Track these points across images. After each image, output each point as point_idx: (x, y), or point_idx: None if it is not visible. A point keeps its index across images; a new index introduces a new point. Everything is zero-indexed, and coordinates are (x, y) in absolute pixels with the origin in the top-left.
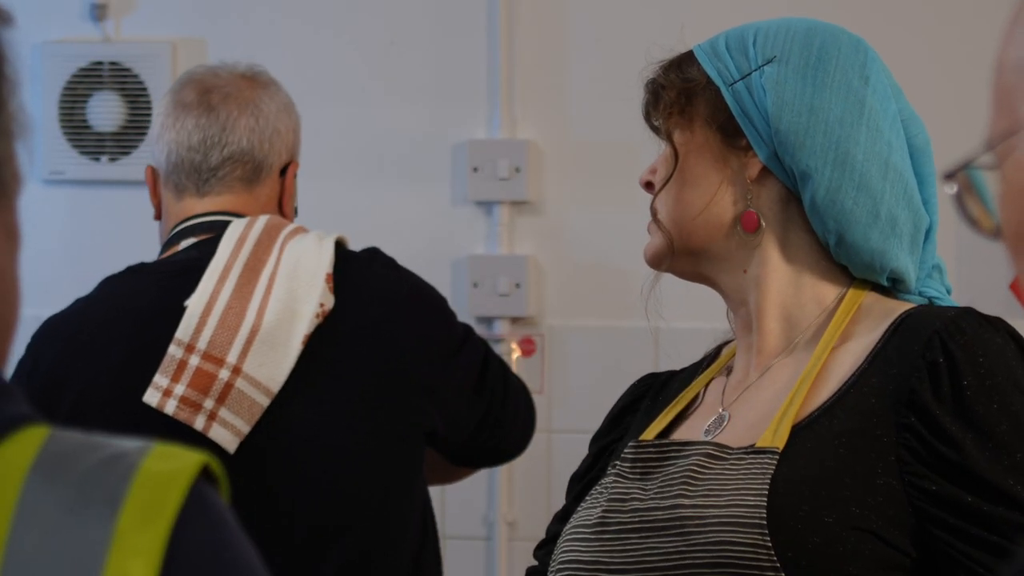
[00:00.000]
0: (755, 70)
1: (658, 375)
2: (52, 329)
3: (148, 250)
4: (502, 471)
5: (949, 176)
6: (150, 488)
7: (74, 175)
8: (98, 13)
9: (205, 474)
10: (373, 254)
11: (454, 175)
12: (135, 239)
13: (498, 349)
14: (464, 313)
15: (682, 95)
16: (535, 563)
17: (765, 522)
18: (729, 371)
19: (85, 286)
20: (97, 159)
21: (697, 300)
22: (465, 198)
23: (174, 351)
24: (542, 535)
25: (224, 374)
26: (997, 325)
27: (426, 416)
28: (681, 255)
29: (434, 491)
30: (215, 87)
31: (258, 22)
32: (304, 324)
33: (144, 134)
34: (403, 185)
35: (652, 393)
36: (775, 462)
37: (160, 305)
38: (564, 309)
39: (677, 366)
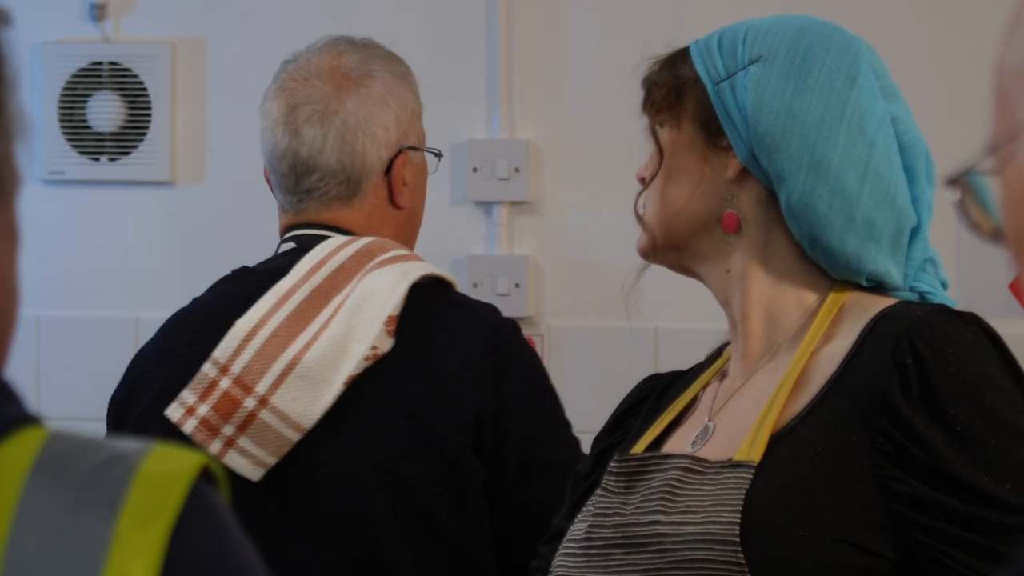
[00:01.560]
0: (741, 69)
1: (662, 376)
2: (163, 324)
3: (148, 250)
4: None
5: (951, 182)
6: (150, 488)
7: (73, 175)
8: (97, 13)
9: (205, 474)
10: (478, 308)
11: (453, 175)
12: (135, 239)
13: None
14: None
15: (672, 92)
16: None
17: (738, 539)
18: (724, 376)
19: (84, 287)
20: (96, 159)
21: (697, 301)
22: (464, 198)
23: (208, 369)
24: None
25: (250, 403)
26: (968, 321)
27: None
28: (666, 250)
29: None
30: (301, 102)
31: (258, 22)
32: (352, 364)
33: (144, 134)
34: None
35: (655, 395)
36: (751, 476)
37: (228, 316)
38: (563, 309)
39: (676, 367)
